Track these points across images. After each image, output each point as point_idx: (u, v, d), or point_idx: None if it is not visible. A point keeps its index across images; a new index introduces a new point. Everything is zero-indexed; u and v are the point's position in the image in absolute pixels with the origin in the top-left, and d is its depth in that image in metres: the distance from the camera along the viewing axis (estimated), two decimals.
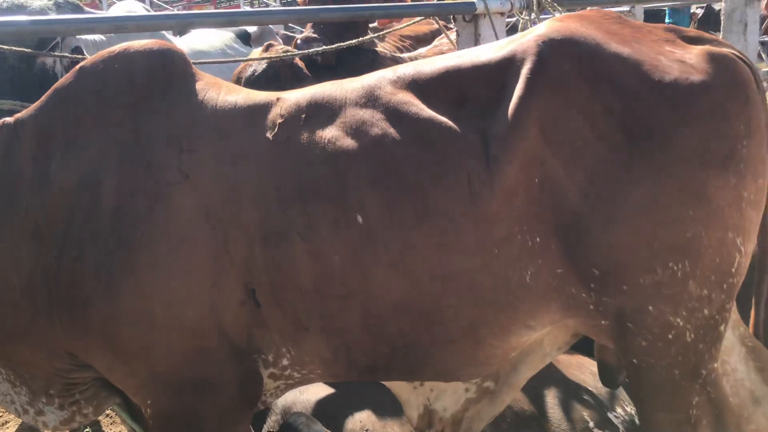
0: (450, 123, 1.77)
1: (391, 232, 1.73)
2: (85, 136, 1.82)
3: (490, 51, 1.84)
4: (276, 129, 1.82)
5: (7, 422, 3.67)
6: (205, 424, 1.82)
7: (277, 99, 1.89)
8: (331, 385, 2.58)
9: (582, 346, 2.32)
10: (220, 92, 1.90)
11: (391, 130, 1.77)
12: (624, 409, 2.62)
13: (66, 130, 1.83)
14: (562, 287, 1.79)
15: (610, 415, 2.57)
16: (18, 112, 2.73)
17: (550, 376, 2.62)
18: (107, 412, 3.68)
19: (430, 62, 1.89)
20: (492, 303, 1.79)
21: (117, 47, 1.88)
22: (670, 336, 1.76)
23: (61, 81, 1.88)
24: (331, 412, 2.47)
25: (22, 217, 1.79)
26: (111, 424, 3.62)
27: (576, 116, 1.70)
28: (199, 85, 1.89)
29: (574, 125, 1.70)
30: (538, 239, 1.76)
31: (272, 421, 2.45)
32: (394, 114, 1.80)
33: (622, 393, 2.67)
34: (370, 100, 1.84)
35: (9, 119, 1.87)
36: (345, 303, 1.78)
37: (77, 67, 1.87)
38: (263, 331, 1.84)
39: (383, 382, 2.26)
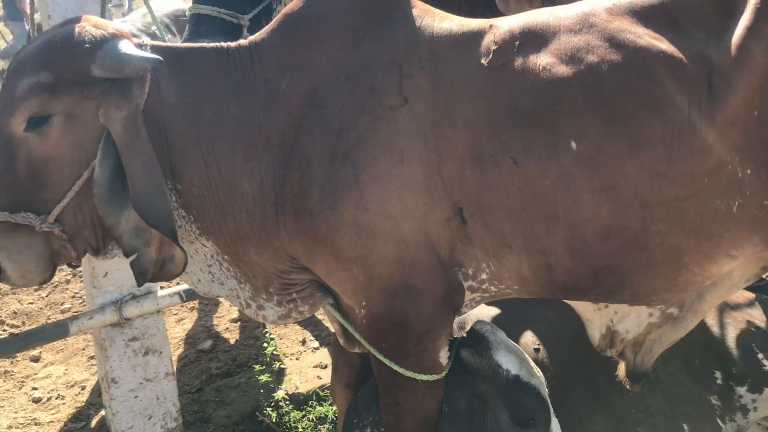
0: (669, 51, 1.77)
1: (605, 158, 1.78)
2: (312, 59, 1.93)
3: None
4: (490, 55, 1.88)
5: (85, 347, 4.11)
6: (413, 326, 1.97)
7: (490, 26, 1.93)
8: (503, 302, 2.71)
9: None
10: (435, 19, 1.97)
11: (608, 58, 1.80)
12: None
13: (294, 53, 1.94)
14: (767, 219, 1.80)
15: None
16: (216, 17, 2.88)
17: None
18: (173, 310, 4.04)
19: None
20: (697, 231, 1.83)
21: None
22: None
23: (291, 6, 2.00)
24: (504, 327, 2.60)
25: (256, 132, 1.92)
26: (177, 321, 3.94)
27: None
28: (415, 12, 1.97)
29: None
30: (748, 171, 1.77)
31: None
32: (611, 41, 1.81)
33: None
34: (585, 27, 1.86)
35: (244, 42, 2.01)
36: (551, 225, 1.86)
37: None
38: (466, 246, 1.95)
39: (567, 301, 2.37)
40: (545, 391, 2.11)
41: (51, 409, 3.36)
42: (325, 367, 3.45)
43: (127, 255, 1.82)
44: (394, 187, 1.86)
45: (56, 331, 2.51)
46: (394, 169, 1.86)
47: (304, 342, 3.74)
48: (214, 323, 4.01)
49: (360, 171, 1.86)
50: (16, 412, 3.34)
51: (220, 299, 4.23)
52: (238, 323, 3.97)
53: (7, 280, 1.84)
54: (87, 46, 1.78)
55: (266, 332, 3.75)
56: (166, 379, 2.80)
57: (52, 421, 3.25)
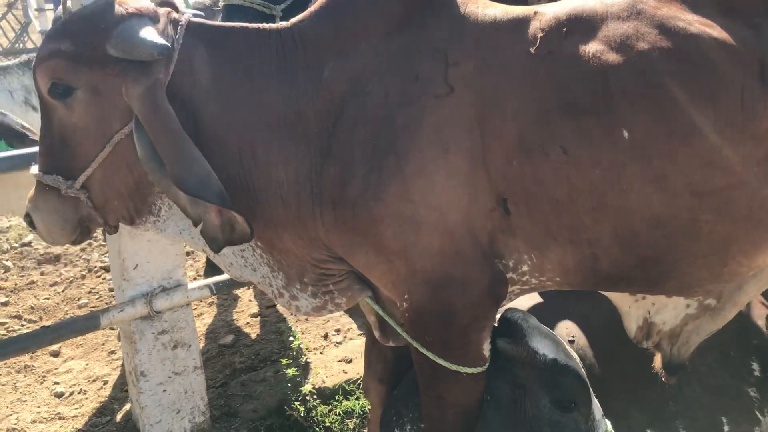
0: (721, 37, 1.75)
1: (656, 147, 1.75)
2: (356, 45, 1.89)
3: None
4: (537, 43, 1.85)
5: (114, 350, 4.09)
6: (457, 318, 1.94)
7: (535, 13, 1.91)
8: (538, 294, 2.69)
9: None
10: (479, 6, 1.94)
11: (658, 45, 1.77)
12: None
13: (337, 39, 1.91)
14: None
15: None
16: (249, 7, 2.84)
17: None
18: (192, 305, 3.96)
19: None
20: (746, 220, 1.81)
21: None
22: None
23: None
24: (538, 318, 2.58)
25: (294, 119, 1.89)
26: (197, 316, 3.86)
27: None
28: None
29: None
30: None
31: None
32: (660, 28, 1.79)
33: None
34: (633, 14, 1.83)
35: (286, 24, 1.96)
36: (599, 215, 1.83)
37: None
38: (507, 237, 1.92)
39: (604, 293, 2.35)
40: (583, 373, 2.10)
41: (74, 404, 3.34)
42: (350, 361, 3.43)
43: (195, 224, 1.83)
44: (439, 178, 1.84)
45: (87, 323, 2.49)
46: (439, 159, 1.83)
47: (326, 336, 3.72)
48: (235, 318, 3.99)
49: (404, 161, 1.84)
50: (39, 407, 3.31)
51: (239, 294, 4.21)
52: (259, 318, 3.95)
53: (39, 234, 1.95)
54: (104, 24, 1.79)
55: (290, 327, 3.74)
56: (194, 373, 2.78)
57: (77, 416, 3.23)
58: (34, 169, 1.91)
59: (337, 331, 3.76)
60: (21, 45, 14.30)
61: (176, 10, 1.95)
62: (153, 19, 1.84)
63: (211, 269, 4.26)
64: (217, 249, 1.87)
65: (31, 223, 1.95)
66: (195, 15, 1.97)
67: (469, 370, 2.00)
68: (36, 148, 2.36)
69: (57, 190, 1.87)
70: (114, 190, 1.89)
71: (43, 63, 1.82)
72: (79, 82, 1.80)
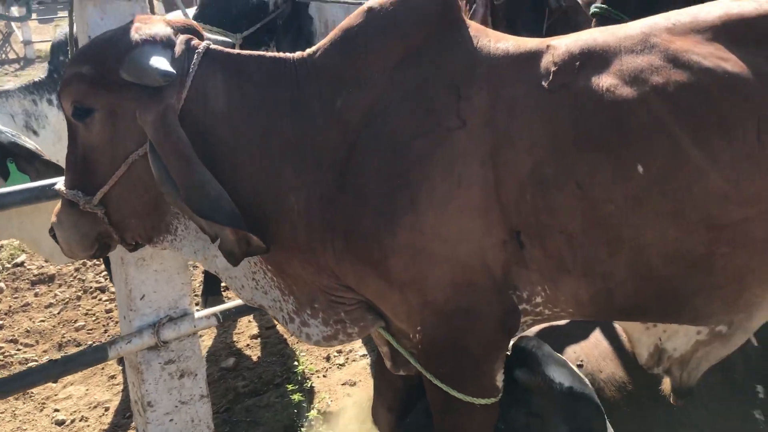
0: (736, 70, 1.77)
1: (673, 182, 1.76)
2: (370, 76, 1.89)
3: None
4: (550, 77, 1.86)
5: None
6: (470, 349, 1.95)
7: (548, 46, 1.92)
8: None
9: None
10: (491, 39, 1.95)
11: (673, 79, 1.79)
12: None
13: (351, 69, 1.91)
14: None
15: None
16: (230, 43, 2.85)
17: None
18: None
19: (705, 9, 1.88)
20: (763, 252, 1.83)
21: None
22: None
23: (349, 21, 1.95)
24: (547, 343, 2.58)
25: (307, 148, 1.90)
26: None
27: None
28: (471, 32, 1.95)
29: None
30: None
31: None
32: (674, 62, 1.80)
33: None
34: (646, 47, 1.85)
35: (302, 54, 1.97)
36: (614, 249, 1.84)
37: (365, 7, 1.94)
38: (521, 269, 1.93)
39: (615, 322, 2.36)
40: (598, 400, 2.11)
41: None
42: (354, 384, 3.41)
43: (212, 241, 1.87)
44: (451, 211, 1.84)
45: (95, 356, 2.47)
46: (451, 192, 1.84)
47: (328, 358, 3.70)
48: (235, 340, 3.96)
49: (416, 194, 1.84)
50: None
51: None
52: (259, 339, 3.92)
53: (60, 248, 2.03)
54: (119, 50, 1.84)
55: (294, 349, 3.71)
56: (201, 402, 2.75)
57: None
58: (60, 184, 1.98)
59: (339, 352, 3.74)
60: (3, 55, 14.19)
61: (199, 36, 1.96)
62: (167, 45, 1.87)
63: (208, 288, 4.22)
64: (235, 262, 1.89)
65: (54, 237, 2.02)
66: (217, 42, 1.97)
67: (483, 401, 2.00)
68: (44, 181, 2.39)
69: (77, 205, 1.92)
70: (130, 208, 1.94)
71: (65, 87, 1.89)
72: (98, 105, 1.86)
